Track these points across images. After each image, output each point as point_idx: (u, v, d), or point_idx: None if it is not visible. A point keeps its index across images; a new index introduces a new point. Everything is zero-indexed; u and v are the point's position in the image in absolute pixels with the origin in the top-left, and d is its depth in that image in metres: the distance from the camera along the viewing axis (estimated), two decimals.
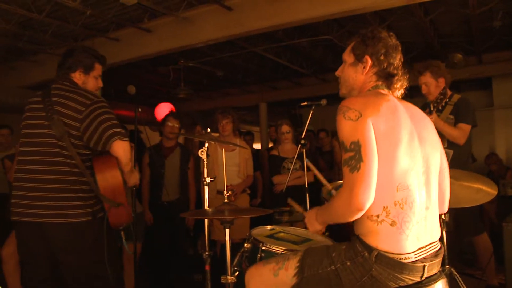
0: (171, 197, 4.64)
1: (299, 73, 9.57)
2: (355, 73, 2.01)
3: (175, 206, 4.68)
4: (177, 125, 4.80)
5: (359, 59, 1.98)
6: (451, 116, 3.79)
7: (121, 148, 2.52)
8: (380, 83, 1.96)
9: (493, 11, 5.97)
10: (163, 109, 8.47)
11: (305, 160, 3.63)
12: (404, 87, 2.01)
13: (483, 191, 2.79)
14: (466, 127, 3.71)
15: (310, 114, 3.89)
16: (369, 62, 1.95)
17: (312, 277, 1.84)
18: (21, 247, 2.63)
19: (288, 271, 1.92)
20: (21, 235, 2.58)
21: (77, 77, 2.72)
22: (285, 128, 4.86)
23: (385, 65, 1.93)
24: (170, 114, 4.97)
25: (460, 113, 3.76)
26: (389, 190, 1.71)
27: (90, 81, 2.77)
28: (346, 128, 1.74)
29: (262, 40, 7.37)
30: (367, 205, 1.67)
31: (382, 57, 1.93)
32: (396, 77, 1.96)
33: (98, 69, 2.82)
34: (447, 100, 3.60)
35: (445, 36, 7.31)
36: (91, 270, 2.54)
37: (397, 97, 1.97)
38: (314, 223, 2.03)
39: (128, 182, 2.75)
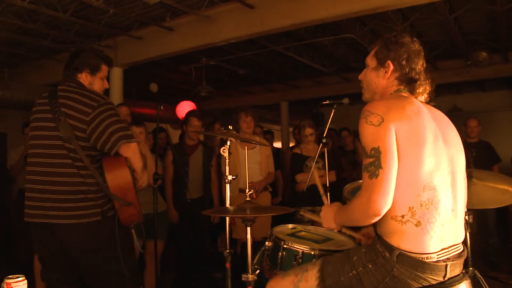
0: (194, 195, 4.66)
1: (321, 72, 9.50)
2: (377, 77, 2.02)
3: (198, 204, 4.69)
4: (199, 124, 4.81)
5: (381, 63, 2.00)
6: None
7: (130, 150, 2.55)
8: (402, 87, 1.97)
9: None
10: (184, 107, 8.52)
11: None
12: (428, 91, 2.01)
13: (509, 192, 2.74)
14: None
15: (332, 113, 3.87)
16: (391, 67, 1.96)
17: (334, 284, 1.84)
18: (37, 247, 2.68)
19: (309, 282, 1.93)
20: (36, 236, 2.63)
21: (84, 78, 2.74)
22: (309, 131, 4.86)
23: (407, 70, 1.94)
24: (193, 113, 4.91)
25: None
26: (415, 191, 1.70)
27: (96, 82, 2.79)
28: (367, 133, 1.75)
29: (284, 39, 7.34)
30: (384, 211, 1.69)
31: (404, 62, 1.94)
32: (419, 82, 1.96)
33: (104, 70, 2.84)
34: None
35: (470, 34, 7.18)
36: (107, 266, 2.57)
37: (420, 101, 1.96)
38: (331, 220, 2.04)
39: (138, 182, 2.77)
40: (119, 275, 2.57)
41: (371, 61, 2.06)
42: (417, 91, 1.97)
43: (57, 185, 2.48)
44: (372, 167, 1.69)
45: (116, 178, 2.52)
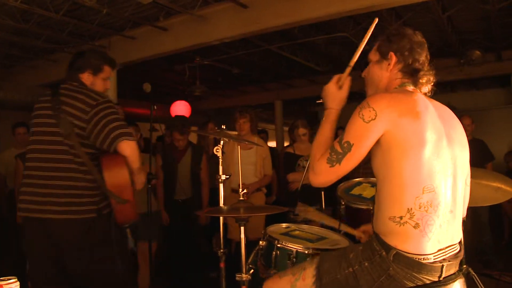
0: (183, 197, 4.66)
1: (315, 71, 9.50)
2: (380, 70, 1.97)
3: (189, 204, 4.69)
4: (182, 137, 4.84)
5: (384, 56, 1.95)
6: None
7: (128, 148, 2.56)
8: (406, 80, 1.92)
9: None
10: (178, 107, 8.50)
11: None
12: (431, 82, 1.96)
13: (502, 190, 2.75)
14: None
15: None
16: (394, 58, 1.92)
17: (330, 283, 1.81)
18: (27, 244, 2.66)
19: (306, 281, 1.90)
20: (28, 232, 2.62)
21: (86, 78, 2.77)
22: (302, 131, 4.84)
23: (410, 61, 1.89)
24: (176, 128, 4.93)
25: None
26: (415, 192, 1.67)
27: (98, 82, 2.82)
28: (353, 124, 1.76)
29: (278, 38, 7.34)
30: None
31: (406, 53, 1.89)
32: (422, 72, 1.91)
33: (107, 71, 2.87)
34: None
35: (464, 33, 7.21)
36: (100, 266, 2.56)
37: (425, 95, 1.92)
38: (337, 99, 2.01)
39: (136, 182, 2.75)
40: (113, 276, 2.56)
41: (373, 55, 2.02)
42: (421, 81, 1.92)
43: (57, 180, 2.50)
44: (335, 156, 1.76)
45: (114, 176, 2.52)
